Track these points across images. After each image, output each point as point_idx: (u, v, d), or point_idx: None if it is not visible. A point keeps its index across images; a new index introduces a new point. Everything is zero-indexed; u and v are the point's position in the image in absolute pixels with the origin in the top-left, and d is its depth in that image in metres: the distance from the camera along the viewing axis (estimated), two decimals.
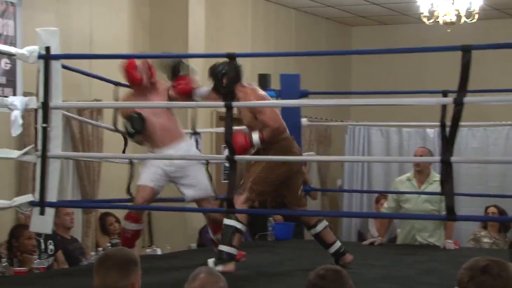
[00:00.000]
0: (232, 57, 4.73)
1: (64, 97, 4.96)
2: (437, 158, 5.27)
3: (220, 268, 4.72)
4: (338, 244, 5.33)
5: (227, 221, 4.92)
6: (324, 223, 5.31)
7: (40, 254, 6.14)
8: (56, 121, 4.86)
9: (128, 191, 5.74)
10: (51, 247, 6.31)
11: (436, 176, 6.76)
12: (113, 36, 8.03)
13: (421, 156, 6.79)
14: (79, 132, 7.40)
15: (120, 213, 7.47)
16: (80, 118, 7.07)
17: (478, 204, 8.98)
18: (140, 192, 5.42)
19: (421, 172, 6.76)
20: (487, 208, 8.28)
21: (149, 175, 5.41)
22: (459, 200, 6.69)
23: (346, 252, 5.31)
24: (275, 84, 7.13)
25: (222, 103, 4.68)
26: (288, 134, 5.15)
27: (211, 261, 4.87)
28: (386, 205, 7.00)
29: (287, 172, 5.07)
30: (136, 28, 8.36)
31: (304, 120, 7.33)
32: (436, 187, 6.59)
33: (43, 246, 6.26)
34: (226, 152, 4.82)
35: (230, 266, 4.86)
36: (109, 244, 6.96)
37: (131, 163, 5.88)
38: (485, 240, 8.01)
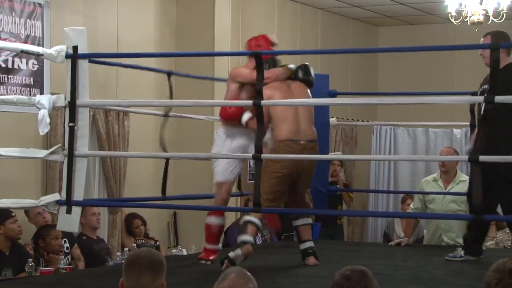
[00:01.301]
0: (258, 55, 4.72)
1: (91, 97, 4.98)
2: (464, 157, 5.22)
3: (239, 251, 4.91)
4: (309, 244, 5.37)
5: (243, 218, 5.12)
6: (307, 220, 5.41)
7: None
8: (83, 120, 4.89)
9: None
10: (66, 245, 6.33)
11: (462, 176, 6.71)
12: (140, 36, 8.05)
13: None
14: (105, 132, 7.43)
15: (146, 214, 7.50)
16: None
17: None
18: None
19: (447, 172, 6.70)
20: None
21: None
22: None
23: (312, 255, 5.34)
24: None
25: (250, 102, 4.70)
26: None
27: (232, 254, 4.95)
28: (413, 206, 6.95)
29: (289, 168, 5.11)
30: (162, 28, 8.38)
31: (332, 120, 7.30)
32: (462, 187, 6.54)
33: None
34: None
35: (247, 247, 4.99)
36: (134, 245, 6.97)
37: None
38: (489, 242, 7.93)
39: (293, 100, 5.13)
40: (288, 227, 7.07)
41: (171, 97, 5.82)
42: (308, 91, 5.36)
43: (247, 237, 5.02)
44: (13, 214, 5.94)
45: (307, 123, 5.20)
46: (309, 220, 5.45)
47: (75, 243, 6.47)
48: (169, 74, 5.95)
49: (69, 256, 6.32)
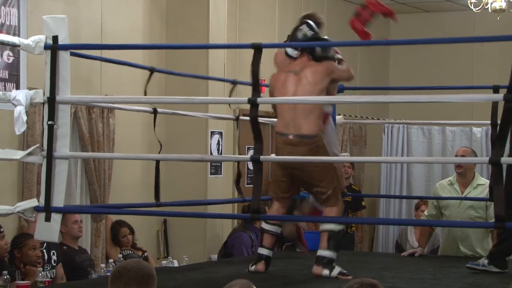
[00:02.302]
0: (258, 47, 4.72)
1: (72, 92, 4.98)
2: (485, 158, 5.22)
3: (252, 268, 5.37)
4: (268, 251, 5.54)
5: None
6: (275, 227, 5.53)
7: (44, 265, 6.16)
8: (64, 117, 4.87)
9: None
10: (54, 257, 6.33)
11: (481, 180, 6.69)
12: (127, 26, 8.05)
13: (463, 156, 6.72)
14: (88, 131, 7.42)
15: (133, 222, 7.50)
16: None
17: None
18: None
19: (464, 175, 6.69)
20: None
21: None
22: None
23: (264, 261, 5.50)
24: None
25: (245, 99, 4.69)
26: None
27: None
28: (427, 213, 6.95)
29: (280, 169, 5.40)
30: (151, 17, 8.38)
31: (339, 118, 7.30)
32: (481, 191, 6.53)
33: (46, 256, 6.28)
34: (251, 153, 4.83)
35: (259, 266, 5.42)
36: (120, 256, 6.97)
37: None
38: None
39: (291, 98, 5.15)
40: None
41: (145, 94, 5.83)
42: (323, 68, 5.43)
43: (260, 250, 5.54)
44: (2, 230, 5.94)
45: (302, 116, 5.24)
46: (277, 229, 5.55)
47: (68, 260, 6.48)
48: (152, 70, 5.94)
49: (54, 270, 6.32)
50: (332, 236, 5.30)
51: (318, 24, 5.72)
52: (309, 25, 5.59)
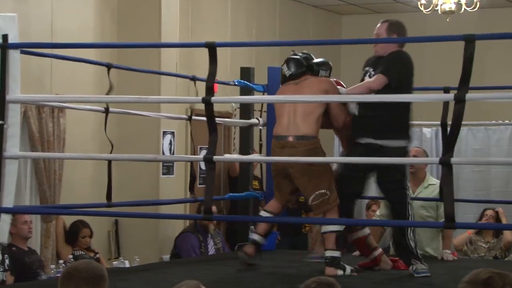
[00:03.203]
0: (212, 47, 4.71)
1: (22, 91, 4.93)
2: (435, 159, 5.29)
3: (240, 253, 5.57)
4: (258, 237, 5.64)
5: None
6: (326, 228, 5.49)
7: None
8: (14, 117, 4.83)
9: None
10: (7, 261, 6.26)
11: (432, 180, 6.77)
12: (77, 24, 7.99)
13: (415, 156, 6.78)
14: (38, 131, 7.35)
15: (90, 222, 7.45)
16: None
17: (479, 210, 9.04)
18: None
19: (415, 174, 6.76)
20: (484, 210, 8.35)
21: None
22: (458, 205, 6.69)
23: (252, 245, 5.62)
24: (259, 78, 7.12)
25: (199, 98, 4.69)
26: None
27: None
28: (379, 213, 7.00)
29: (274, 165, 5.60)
30: (102, 15, 8.32)
31: None
32: (431, 191, 6.60)
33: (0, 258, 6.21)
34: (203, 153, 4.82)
35: (246, 248, 5.63)
36: (71, 257, 6.91)
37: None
38: (481, 244, 8.07)
39: (261, 97, 5.16)
40: (243, 236, 7.10)
41: (109, 92, 5.80)
42: (324, 84, 5.64)
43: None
44: None
45: (301, 118, 5.38)
46: (329, 228, 5.47)
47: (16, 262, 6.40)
48: (109, 66, 5.91)
49: (7, 273, 6.24)
50: (339, 236, 5.42)
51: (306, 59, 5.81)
52: (288, 65, 5.73)
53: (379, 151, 5.37)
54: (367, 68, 5.72)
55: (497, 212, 8.22)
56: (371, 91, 5.45)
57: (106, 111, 5.77)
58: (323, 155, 5.54)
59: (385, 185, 5.56)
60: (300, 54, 5.79)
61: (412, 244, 5.52)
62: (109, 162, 5.66)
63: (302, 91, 5.47)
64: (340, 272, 5.33)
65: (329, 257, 5.38)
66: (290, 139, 5.38)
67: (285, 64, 5.73)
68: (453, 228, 5.24)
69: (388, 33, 5.55)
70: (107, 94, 5.75)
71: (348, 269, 5.39)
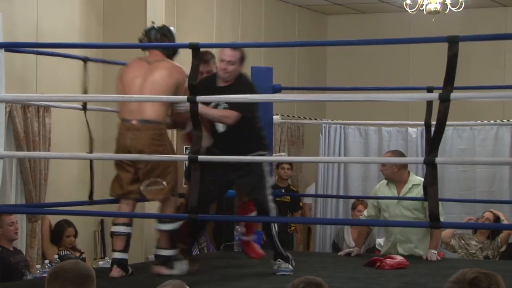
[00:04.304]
0: (195, 48, 4.72)
1: (7, 90, 4.92)
2: (420, 158, 5.31)
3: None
4: (120, 254, 5.44)
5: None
6: (123, 227, 5.46)
7: None
8: None
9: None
10: None
11: (415, 179, 6.75)
12: (62, 24, 7.97)
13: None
14: (23, 130, 7.33)
15: (76, 222, 7.43)
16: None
17: (464, 210, 9.09)
18: None
19: (389, 178, 6.76)
20: (483, 213, 8.38)
21: None
22: (443, 205, 6.71)
23: (117, 266, 5.37)
24: None
25: (185, 98, 4.70)
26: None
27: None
28: (366, 213, 7.01)
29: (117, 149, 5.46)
30: (88, 15, 8.30)
31: (276, 117, 7.34)
32: (416, 193, 6.59)
33: None
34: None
35: (113, 271, 5.29)
36: (56, 257, 6.89)
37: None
38: (473, 243, 8.11)
39: (244, 96, 5.14)
40: (229, 236, 7.12)
41: (85, 87, 5.81)
42: (176, 74, 5.41)
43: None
44: None
45: (147, 102, 5.29)
46: (162, 227, 5.44)
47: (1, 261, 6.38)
48: (85, 60, 5.92)
49: None
50: (173, 235, 5.39)
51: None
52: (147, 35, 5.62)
53: (242, 163, 5.34)
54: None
55: (496, 216, 8.23)
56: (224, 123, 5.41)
57: (84, 108, 5.80)
58: (169, 142, 5.45)
59: (244, 187, 5.56)
60: (158, 28, 5.62)
61: (278, 243, 5.57)
62: (91, 161, 5.69)
63: (152, 74, 5.37)
64: (167, 270, 5.28)
65: (163, 256, 5.37)
66: (134, 122, 5.31)
67: (144, 35, 5.60)
68: (437, 228, 5.27)
69: (239, 62, 5.44)
70: (84, 89, 5.77)
71: (178, 269, 5.28)
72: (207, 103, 5.23)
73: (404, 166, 6.73)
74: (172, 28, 5.67)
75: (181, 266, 5.37)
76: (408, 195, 6.63)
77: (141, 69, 5.41)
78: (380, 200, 6.79)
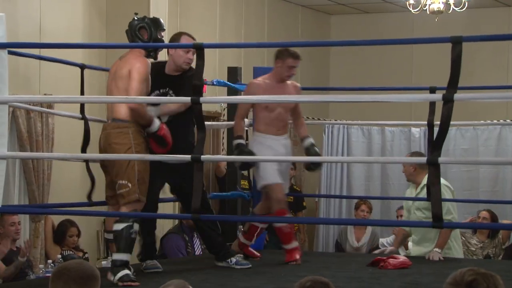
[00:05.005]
0: (199, 48, 4.73)
1: (10, 91, 4.92)
2: (423, 158, 5.31)
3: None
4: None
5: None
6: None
7: None
8: (2, 117, 4.84)
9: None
10: None
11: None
12: (66, 24, 7.98)
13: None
14: (26, 130, 7.34)
15: (78, 222, 7.44)
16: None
17: (466, 210, 9.09)
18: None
19: (411, 178, 6.80)
20: (478, 212, 8.39)
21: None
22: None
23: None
24: (247, 77, 7.14)
25: (188, 98, 4.70)
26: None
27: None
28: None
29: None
30: (91, 16, 8.31)
31: None
32: (425, 192, 6.60)
33: None
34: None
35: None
36: (59, 256, 6.90)
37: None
38: (474, 242, 8.12)
39: (246, 97, 5.13)
40: (232, 235, 7.11)
41: (82, 93, 5.83)
42: (133, 62, 5.25)
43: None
44: None
45: (116, 103, 5.21)
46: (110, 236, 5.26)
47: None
48: (82, 67, 5.95)
49: None
50: (116, 237, 5.08)
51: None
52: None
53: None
54: (163, 90, 5.53)
55: (492, 214, 8.24)
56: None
57: (83, 118, 5.84)
58: (138, 141, 5.15)
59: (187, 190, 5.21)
60: (138, 19, 5.57)
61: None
62: (87, 161, 5.71)
63: (121, 67, 5.28)
64: (112, 277, 4.99)
65: (114, 260, 5.09)
66: (108, 121, 5.29)
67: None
68: (440, 228, 5.25)
69: None
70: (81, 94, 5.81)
71: (119, 276, 4.97)
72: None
73: (421, 167, 6.66)
74: (157, 18, 5.57)
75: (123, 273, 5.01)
76: (421, 194, 6.64)
77: (113, 67, 5.38)
78: (404, 202, 6.90)
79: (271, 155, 5.87)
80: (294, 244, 6.00)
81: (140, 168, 5.11)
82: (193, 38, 5.56)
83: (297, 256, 5.94)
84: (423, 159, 4.85)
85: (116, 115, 5.18)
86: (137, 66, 5.18)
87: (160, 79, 5.40)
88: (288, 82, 6.07)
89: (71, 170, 7.82)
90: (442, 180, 7.24)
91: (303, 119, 6.35)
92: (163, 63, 5.59)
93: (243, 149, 5.78)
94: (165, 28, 5.52)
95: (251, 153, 5.79)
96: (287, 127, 6.20)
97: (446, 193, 6.64)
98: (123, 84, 5.19)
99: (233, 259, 5.71)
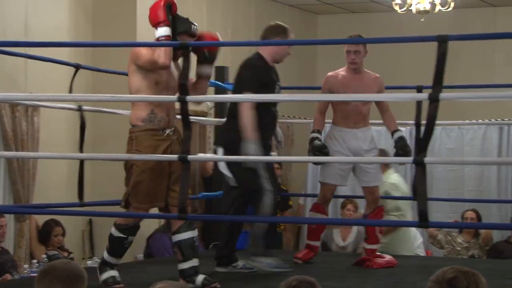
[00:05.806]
0: (185, 47, 4.72)
1: None
2: (409, 158, 5.32)
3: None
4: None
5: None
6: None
7: None
8: None
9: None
10: None
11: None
12: (52, 23, 7.96)
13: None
14: (11, 130, 7.31)
15: (64, 221, 7.42)
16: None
17: (452, 209, 9.11)
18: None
19: None
20: (464, 212, 8.42)
21: None
22: (431, 204, 6.76)
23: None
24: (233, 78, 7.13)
25: (175, 97, 4.69)
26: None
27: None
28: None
29: None
30: (78, 14, 8.29)
31: None
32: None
33: None
34: None
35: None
36: (44, 256, 6.88)
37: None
38: (459, 241, 8.15)
39: (234, 96, 5.12)
40: (217, 236, 7.10)
41: (70, 91, 5.76)
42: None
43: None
44: None
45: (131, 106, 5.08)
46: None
47: None
48: (77, 67, 5.90)
49: None
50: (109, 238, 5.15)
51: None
52: None
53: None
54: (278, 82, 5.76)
55: (477, 214, 8.28)
56: None
57: (80, 109, 5.76)
58: (144, 146, 4.91)
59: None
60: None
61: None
62: (81, 161, 5.64)
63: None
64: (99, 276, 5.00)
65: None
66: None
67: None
68: (426, 227, 5.27)
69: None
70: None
71: (104, 276, 4.98)
72: None
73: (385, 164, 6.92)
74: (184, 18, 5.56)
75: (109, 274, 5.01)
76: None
77: None
78: None
79: (338, 150, 6.03)
80: (316, 243, 6.11)
81: (139, 177, 4.90)
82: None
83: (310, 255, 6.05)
84: (410, 159, 4.85)
85: (130, 121, 5.01)
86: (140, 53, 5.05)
87: (271, 72, 5.60)
88: (368, 73, 5.96)
89: (56, 169, 7.80)
90: (394, 177, 7.34)
91: (391, 112, 6.32)
92: (261, 58, 5.66)
93: (315, 144, 5.76)
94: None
95: (323, 147, 5.93)
96: (366, 119, 6.20)
97: (393, 192, 6.82)
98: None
99: (240, 263, 5.58)
